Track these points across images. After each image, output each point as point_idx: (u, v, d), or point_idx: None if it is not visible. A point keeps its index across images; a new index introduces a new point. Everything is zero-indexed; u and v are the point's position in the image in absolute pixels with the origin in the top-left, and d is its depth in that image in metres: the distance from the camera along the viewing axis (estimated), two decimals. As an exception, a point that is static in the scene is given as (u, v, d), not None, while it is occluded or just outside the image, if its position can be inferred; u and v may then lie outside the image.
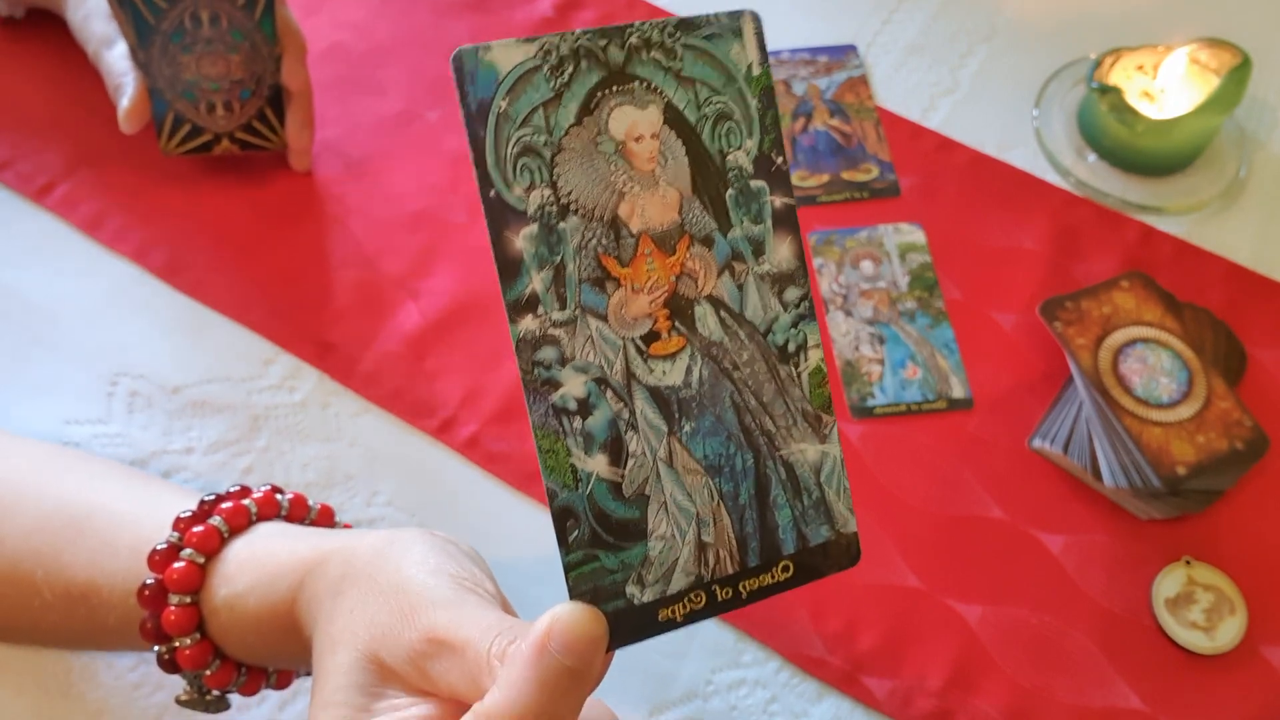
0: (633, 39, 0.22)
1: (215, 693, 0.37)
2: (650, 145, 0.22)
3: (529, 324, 0.21)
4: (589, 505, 0.22)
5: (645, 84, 0.22)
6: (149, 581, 0.36)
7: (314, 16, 0.66)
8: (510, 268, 0.22)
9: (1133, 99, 0.59)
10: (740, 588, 0.22)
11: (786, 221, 0.23)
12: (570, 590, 0.22)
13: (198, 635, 0.36)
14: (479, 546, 0.49)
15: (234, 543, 0.37)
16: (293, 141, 0.57)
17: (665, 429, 0.22)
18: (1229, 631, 0.47)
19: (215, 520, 0.37)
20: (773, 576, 0.23)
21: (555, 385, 0.22)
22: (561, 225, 0.22)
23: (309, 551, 0.35)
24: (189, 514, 0.37)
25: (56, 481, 0.41)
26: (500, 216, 0.22)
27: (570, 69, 0.22)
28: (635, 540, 0.22)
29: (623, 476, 0.22)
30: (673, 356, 0.22)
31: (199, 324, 0.55)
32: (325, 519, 0.41)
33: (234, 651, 0.37)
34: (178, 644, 0.36)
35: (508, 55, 0.23)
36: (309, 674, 0.39)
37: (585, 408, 0.22)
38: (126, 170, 0.59)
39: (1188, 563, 0.49)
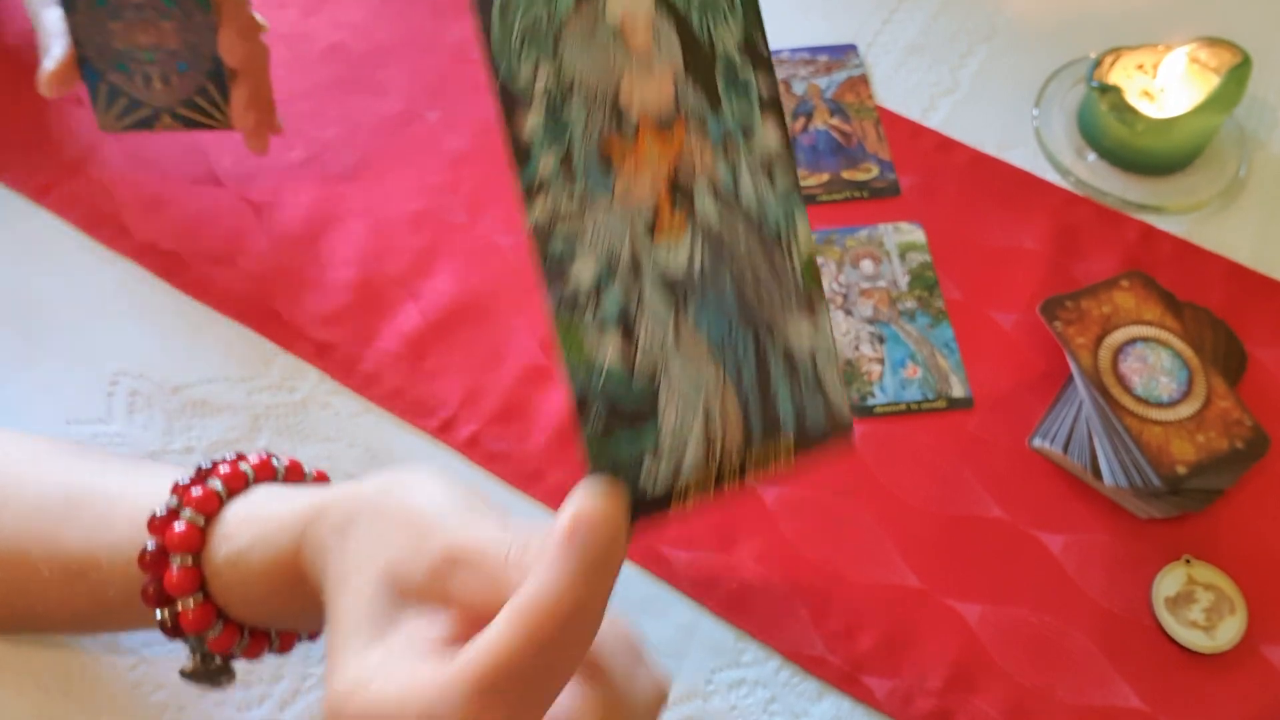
0: None
1: (218, 659, 0.37)
2: (644, 30, 0.22)
3: (541, 208, 0.22)
4: (602, 389, 0.22)
5: None
6: (149, 546, 0.36)
7: (314, 17, 0.66)
8: (522, 153, 0.22)
9: (1133, 98, 0.59)
10: (746, 460, 0.23)
11: (772, 107, 0.23)
12: (590, 465, 0.23)
13: (200, 596, 0.36)
14: (479, 546, 0.49)
15: (232, 504, 0.37)
16: (236, 121, 0.53)
17: (672, 311, 0.22)
18: (1229, 631, 0.47)
19: (213, 483, 0.37)
20: (776, 450, 0.23)
21: (568, 268, 0.22)
22: (567, 107, 0.22)
23: (309, 502, 0.35)
24: (186, 480, 0.37)
25: (54, 468, 0.41)
26: (510, 102, 0.22)
27: None
28: (648, 420, 0.22)
29: (634, 359, 0.22)
30: (677, 239, 0.22)
31: (199, 323, 0.55)
32: (322, 482, 0.41)
33: (237, 613, 0.36)
34: (180, 606, 0.36)
35: None
36: (311, 637, 0.39)
37: (597, 291, 0.22)
38: (127, 169, 0.59)
39: (1188, 562, 0.49)
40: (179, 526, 0.36)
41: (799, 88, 0.64)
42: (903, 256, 0.58)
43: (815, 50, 0.66)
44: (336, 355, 0.54)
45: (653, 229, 0.22)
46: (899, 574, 0.49)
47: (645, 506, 0.23)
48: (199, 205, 0.58)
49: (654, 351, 0.22)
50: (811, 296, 0.23)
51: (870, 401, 0.53)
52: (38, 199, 0.58)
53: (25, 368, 0.53)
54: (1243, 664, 0.47)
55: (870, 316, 0.56)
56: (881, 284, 0.57)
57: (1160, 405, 0.50)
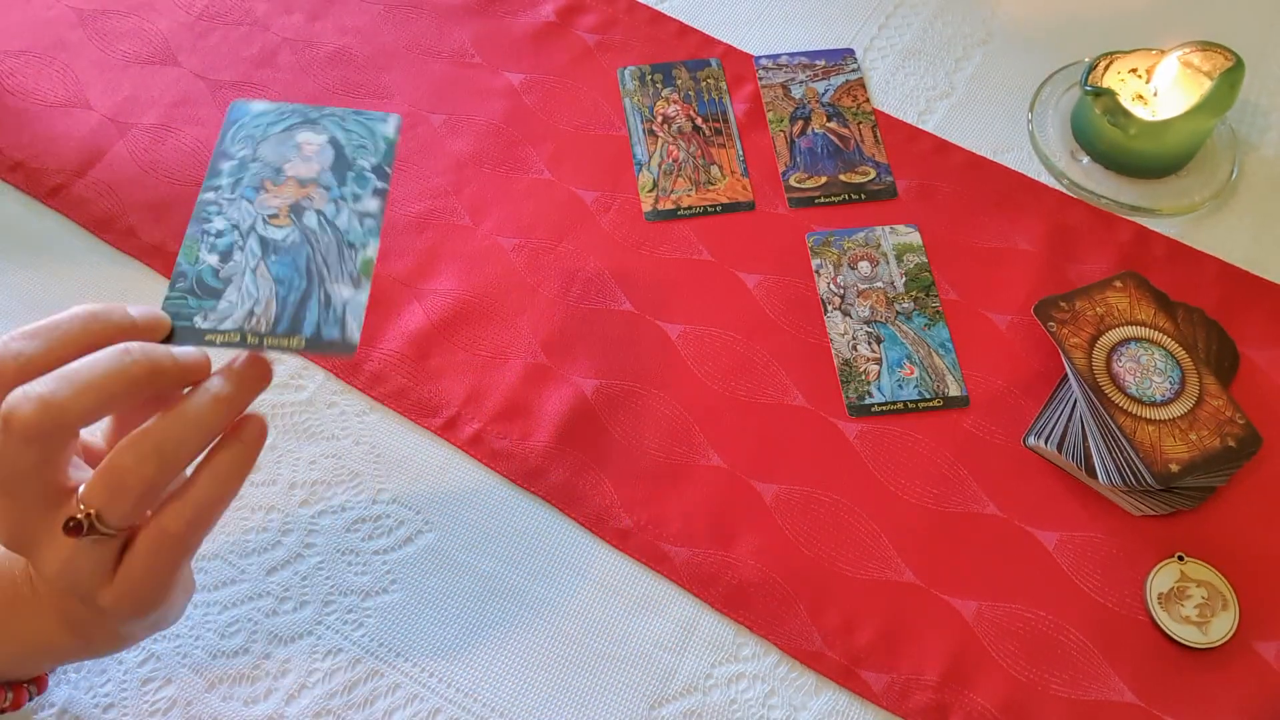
0: (326, 111, 0.43)
1: None
2: (314, 147, 0.41)
3: (209, 195, 0.40)
4: (195, 275, 0.38)
5: (323, 126, 0.42)
6: None
7: (318, 21, 0.66)
8: (214, 175, 0.40)
9: (1126, 102, 0.59)
10: (264, 340, 0.37)
11: (379, 194, 0.41)
12: (163, 305, 0.37)
13: None
14: (482, 543, 0.50)
15: None
16: None
17: (260, 254, 0.39)
18: (1221, 626, 0.48)
19: None
20: (288, 342, 0.37)
21: (209, 220, 0.39)
22: (251, 164, 0.41)
23: None
24: None
25: None
26: (217, 160, 0.41)
27: (288, 116, 0.42)
28: (214, 298, 0.37)
29: (221, 268, 0.38)
30: (280, 227, 0.39)
31: (206, 324, 0.55)
32: None
33: None
34: None
35: (258, 105, 0.42)
36: (37, 686, 0.42)
37: (219, 234, 0.39)
38: (134, 172, 0.60)
39: (1181, 559, 0.49)
40: None
41: (797, 92, 0.65)
42: (899, 258, 0.58)
43: (813, 55, 0.66)
44: (341, 355, 0.54)
45: (270, 219, 0.40)
46: (896, 570, 0.49)
47: (187, 335, 0.37)
48: (205, 208, 0.59)
49: (237, 269, 0.38)
50: (358, 279, 0.39)
51: (868, 401, 0.54)
52: (46, 201, 0.59)
53: (34, 368, 0.53)
54: (1235, 659, 0.47)
55: (867, 317, 0.56)
56: (878, 285, 0.57)
57: (1153, 404, 0.51)
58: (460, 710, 0.46)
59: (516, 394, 0.54)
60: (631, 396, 0.54)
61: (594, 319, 0.56)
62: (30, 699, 0.42)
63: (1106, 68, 0.61)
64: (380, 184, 0.41)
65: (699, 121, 0.63)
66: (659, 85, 0.65)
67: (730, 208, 0.60)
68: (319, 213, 0.40)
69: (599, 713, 0.46)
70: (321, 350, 0.37)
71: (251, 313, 0.37)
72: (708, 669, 0.47)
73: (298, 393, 0.54)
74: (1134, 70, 0.61)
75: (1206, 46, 0.60)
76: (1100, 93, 0.60)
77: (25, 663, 0.40)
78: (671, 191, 0.61)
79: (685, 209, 0.60)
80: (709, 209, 0.60)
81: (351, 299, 0.38)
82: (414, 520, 0.50)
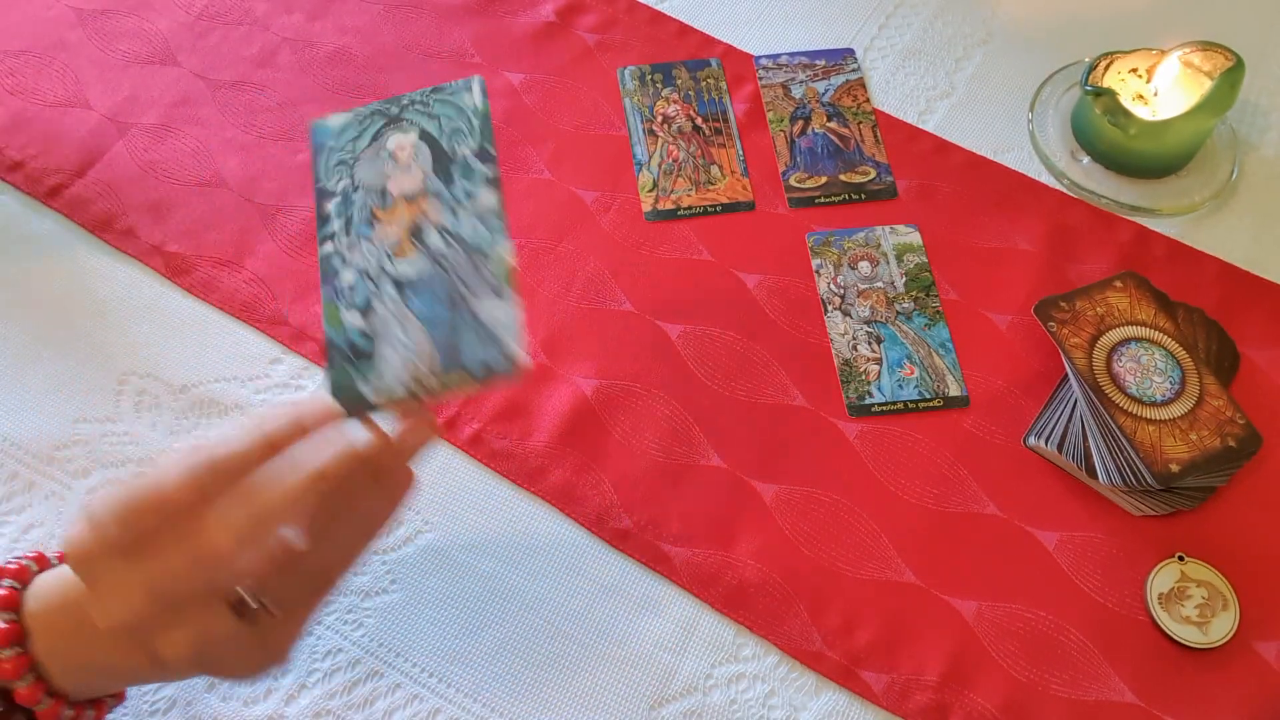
0: (404, 101, 0.39)
1: None
2: (409, 149, 0.38)
3: (328, 247, 0.37)
4: (346, 340, 0.36)
5: (409, 121, 0.39)
6: None
7: (318, 21, 0.66)
8: (323, 221, 0.37)
9: (1126, 102, 0.59)
10: (434, 390, 0.35)
11: (492, 183, 0.37)
12: (326, 382, 0.36)
13: (19, 649, 0.37)
14: (481, 543, 0.50)
15: (40, 576, 0.40)
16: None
17: (399, 299, 0.36)
18: (1222, 626, 0.48)
19: (25, 561, 0.40)
20: (457, 383, 0.35)
21: (338, 275, 0.37)
22: (353, 196, 0.37)
23: None
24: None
25: None
26: (321, 196, 0.38)
27: (369, 122, 0.39)
28: (370, 360, 0.36)
29: (367, 325, 0.36)
30: (409, 259, 0.37)
31: (206, 324, 0.55)
32: None
33: (56, 672, 0.38)
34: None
35: (337, 119, 0.39)
36: (116, 698, 0.42)
37: (352, 288, 0.37)
38: (135, 172, 0.60)
39: (1181, 559, 0.49)
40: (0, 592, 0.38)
41: (797, 92, 0.65)
42: (900, 258, 0.58)
43: (813, 54, 0.66)
44: (341, 355, 0.54)
45: (394, 253, 0.37)
46: (896, 570, 0.49)
47: (358, 404, 0.36)
48: (206, 207, 0.59)
49: (382, 321, 0.36)
50: (500, 287, 0.36)
51: (868, 401, 0.53)
52: (47, 201, 0.59)
53: (35, 367, 0.54)
54: (1235, 659, 0.47)
55: (868, 317, 0.56)
56: (879, 285, 0.57)
57: (1154, 404, 0.51)
58: (460, 710, 0.46)
59: (516, 394, 0.54)
60: (631, 396, 0.54)
61: (594, 319, 0.56)
62: (109, 710, 0.41)
63: (1107, 68, 0.61)
64: (489, 171, 0.37)
65: (699, 121, 0.63)
66: (659, 85, 0.65)
67: (730, 208, 0.60)
68: (439, 228, 0.37)
69: (599, 713, 0.46)
70: (492, 380, 0.34)
71: (412, 364, 0.35)
72: (708, 669, 0.47)
73: (297, 393, 0.54)
74: (1134, 70, 0.61)
75: (1207, 46, 0.60)
76: (1100, 93, 0.60)
77: (109, 686, 0.41)
78: (671, 191, 0.61)
79: (685, 209, 0.60)
80: (709, 209, 0.60)
81: (502, 314, 0.35)
82: (413, 520, 0.50)
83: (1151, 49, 0.61)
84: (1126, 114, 0.59)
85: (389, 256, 0.36)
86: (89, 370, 0.53)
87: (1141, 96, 0.61)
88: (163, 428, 0.52)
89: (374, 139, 0.38)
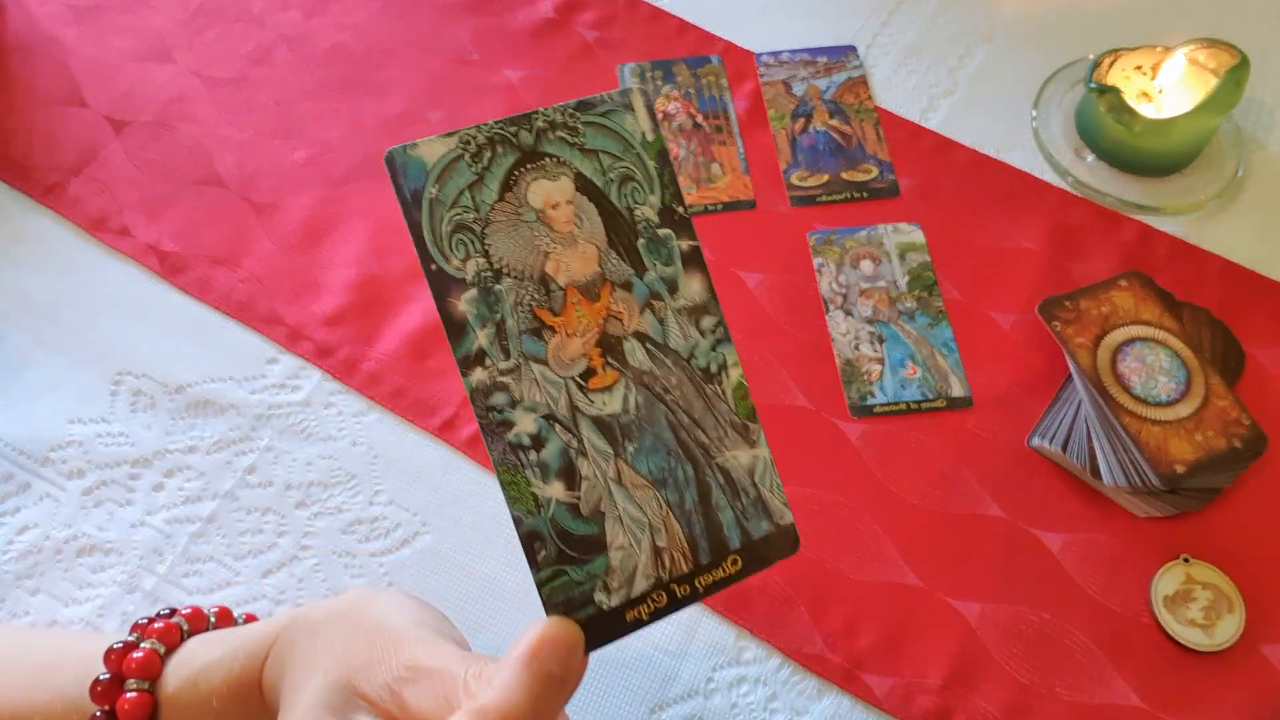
0: (539, 122, 0.26)
1: None
2: (566, 210, 0.25)
3: (479, 375, 0.24)
4: (551, 527, 0.24)
5: (555, 159, 0.26)
6: (103, 675, 0.36)
7: (316, 18, 0.66)
8: (456, 329, 0.25)
9: (1131, 99, 0.59)
10: (696, 584, 0.25)
11: (694, 261, 0.26)
12: (545, 605, 0.25)
13: None
14: (480, 545, 0.50)
15: (191, 639, 0.37)
16: None
17: (611, 452, 0.25)
18: (1227, 629, 0.47)
19: (175, 619, 0.37)
20: (724, 570, 0.25)
21: (509, 425, 0.25)
22: (497, 287, 0.25)
23: (273, 621, 0.35)
24: (144, 620, 0.37)
25: None
26: (443, 286, 0.25)
27: (488, 154, 0.26)
28: (597, 553, 0.24)
29: (578, 498, 0.24)
30: (609, 388, 0.25)
31: (201, 324, 0.55)
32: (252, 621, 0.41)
33: None
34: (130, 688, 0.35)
35: (432, 149, 0.26)
36: None
37: (538, 442, 0.24)
38: (129, 171, 0.59)
39: (1186, 561, 0.49)
40: (138, 654, 0.36)
41: (798, 89, 0.64)
42: (902, 257, 0.58)
43: (815, 52, 0.66)
44: (339, 355, 0.54)
45: (586, 381, 0.25)
46: (899, 572, 0.49)
47: (602, 629, 0.25)
48: (201, 206, 0.58)
49: (598, 489, 0.25)
50: (746, 421, 0.26)
51: (870, 401, 0.53)
52: (41, 200, 0.58)
53: (29, 367, 0.53)
54: (1241, 662, 0.47)
55: (870, 316, 0.56)
56: (881, 284, 0.57)
57: (1159, 405, 0.50)
58: (458, 714, 0.45)
59: (515, 394, 0.53)
60: (631, 397, 0.53)
61: (594, 318, 0.55)
62: None
63: (1111, 65, 0.61)
64: (687, 241, 0.26)
65: (700, 119, 0.63)
66: (659, 82, 0.64)
67: (731, 206, 0.59)
68: (640, 338, 0.25)
69: (599, 716, 0.45)
70: (765, 558, 0.26)
71: (657, 551, 0.25)
72: (709, 672, 0.47)
73: (294, 393, 0.53)
74: (1139, 67, 0.61)
75: (1212, 43, 0.59)
76: (1105, 90, 0.59)
77: None
78: (672, 189, 0.60)
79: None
80: (710, 207, 0.59)
81: (755, 461, 0.26)
82: (412, 522, 0.50)
83: (1156, 46, 0.61)
84: (1131, 112, 0.58)
85: (580, 390, 0.25)
86: (83, 370, 0.53)
87: (1146, 94, 0.60)
88: (158, 428, 0.52)
89: (505, 187, 0.25)
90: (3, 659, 0.38)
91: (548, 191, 0.25)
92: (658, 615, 0.25)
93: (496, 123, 0.26)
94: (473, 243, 0.25)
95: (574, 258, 0.25)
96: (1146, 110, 0.59)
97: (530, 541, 0.24)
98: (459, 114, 0.62)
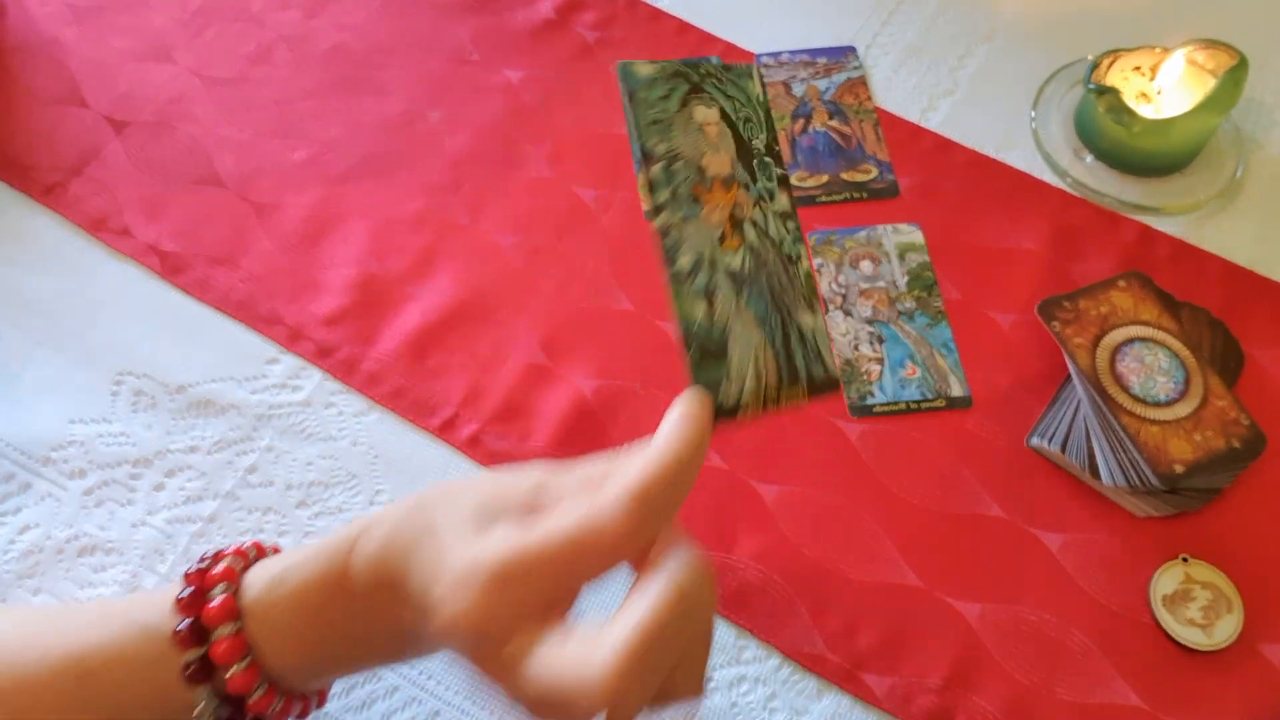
0: (703, 69, 0.36)
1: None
2: (715, 128, 0.35)
3: (662, 219, 0.33)
4: (698, 334, 0.33)
5: (709, 95, 0.36)
6: (185, 592, 0.36)
7: (315, 18, 0.66)
8: (649, 186, 0.34)
9: (1130, 100, 0.59)
10: (780, 396, 0.34)
11: (784, 182, 0.37)
12: (692, 381, 0.33)
13: (238, 625, 0.35)
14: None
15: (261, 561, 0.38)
16: None
17: (734, 293, 0.34)
18: (1226, 628, 0.47)
19: (239, 551, 0.38)
20: (795, 392, 0.34)
21: (675, 258, 0.33)
22: (674, 166, 0.34)
23: (349, 524, 0.36)
24: (214, 552, 0.37)
25: (42, 611, 0.40)
26: (646, 158, 0.34)
27: (674, 82, 0.36)
28: (722, 358, 0.33)
29: (713, 318, 0.33)
30: (735, 250, 0.34)
31: (202, 324, 0.55)
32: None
33: (270, 656, 0.35)
34: (215, 636, 0.35)
35: (645, 68, 0.35)
36: (319, 702, 0.39)
37: (693, 274, 0.33)
38: (129, 171, 0.59)
39: (1185, 560, 0.49)
40: (216, 570, 0.36)
41: (798, 89, 0.64)
42: (902, 257, 0.58)
43: (815, 52, 0.66)
44: (339, 355, 0.54)
45: (720, 243, 0.34)
46: (898, 572, 0.49)
47: (721, 414, 0.33)
48: (201, 206, 0.58)
49: (725, 316, 0.33)
50: (811, 299, 0.36)
51: (869, 401, 0.53)
52: (41, 200, 0.58)
53: (30, 367, 0.53)
54: (1240, 661, 0.47)
55: (869, 316, 0.56)
56: (880, 284, 0.57)
57: (1158, 405, 0.50)
58: (458, 713, 0.45)
59: (515, 394, 0.53)
60: (631, 397, 0.53)
61: (593, 318, 0.55)
62: (309, 713, 0.39)
63: (1110, 65, 0.61)
64: (778, 169, 0.36)
65: (699, 119, 0.63)
66: (659, 82, 0.64)
67: (731, 206, 0.60)
68: (753, 222, 0.35)
69: (599, 715, 0.46)
70: (815, 396, 0.34)
71: (758, 371, 0.33)
72: (708, 671, 0.47)
73: (294, 393, 0.53)
74: (1138, 68, 0.61)
75: (1211, 44, 0.59)
76: (1104, 91, 0.59)
77: (329, 675, 0.38)
78: (672, 190, 0.60)
79: (686, 207, 0.59)
80: (710, 207, 0.59)
81: (817, 326, 0.35)
82: (412, 522, 0.50)
83: (1155, 47, 0.61)
84: (1130, 112, 0.59)
85: (717, 246, 0.34)
86: (84, 370, 0.53)
87: (1145, 94, 0.60)
88: (159, 428, 0.52)
89: (682, 103, 0.35)
90: (55, 609, 0.38)
91: (705, 113, 0.36)
92: (755, 410, 0.33)
93: (681, 61, 0.36)
94: (663, 134, 0.35)
95: (717, 160, 0.35)
96: (1145, 111, 0.59)
97: (686, 341, 0.33)
98: (459, 113, 0.62)
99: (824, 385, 0.34)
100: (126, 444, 0.51)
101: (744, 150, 0.36)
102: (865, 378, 0.54)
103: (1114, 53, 0.61)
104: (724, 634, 0.48)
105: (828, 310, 0.56)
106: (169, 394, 0.53)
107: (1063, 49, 0.66)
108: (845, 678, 0.46)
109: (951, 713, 0.46)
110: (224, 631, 0.35)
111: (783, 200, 0.36)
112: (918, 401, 0.53)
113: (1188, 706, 0.46)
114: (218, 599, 0.35)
